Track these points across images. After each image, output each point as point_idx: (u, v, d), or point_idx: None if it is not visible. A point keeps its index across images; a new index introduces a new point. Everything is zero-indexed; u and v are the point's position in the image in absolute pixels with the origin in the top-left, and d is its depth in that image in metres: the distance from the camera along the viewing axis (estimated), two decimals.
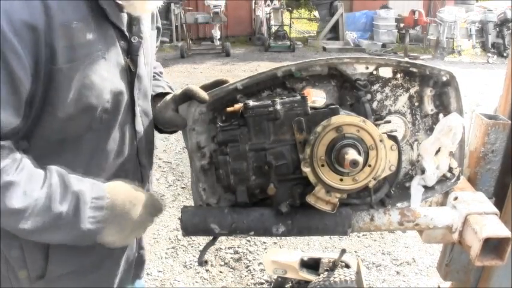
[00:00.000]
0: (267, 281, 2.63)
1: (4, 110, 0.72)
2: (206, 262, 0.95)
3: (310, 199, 0.83)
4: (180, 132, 1.06)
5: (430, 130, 1.01)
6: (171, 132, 1.12)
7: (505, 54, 9.61)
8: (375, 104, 0.99)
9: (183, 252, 2.91)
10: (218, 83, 0.98)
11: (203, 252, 0.94)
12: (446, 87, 0.98)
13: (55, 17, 0.74)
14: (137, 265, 1.16)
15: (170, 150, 4.56)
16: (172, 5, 10.61)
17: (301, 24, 15.21)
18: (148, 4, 0.91)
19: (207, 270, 2.72)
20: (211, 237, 0.95)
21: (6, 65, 0.70)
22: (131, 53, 0.93)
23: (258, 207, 0.90)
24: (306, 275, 2.13)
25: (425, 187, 1.01)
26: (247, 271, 2.73)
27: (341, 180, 0.80)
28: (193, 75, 8.05)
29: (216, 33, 10.16)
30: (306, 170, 0.81)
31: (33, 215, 0.75)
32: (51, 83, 0.77)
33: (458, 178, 1.02)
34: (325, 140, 0.80)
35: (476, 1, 12.43)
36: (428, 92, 0.99)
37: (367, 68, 0.96)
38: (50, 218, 0.77)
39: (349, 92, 0.98)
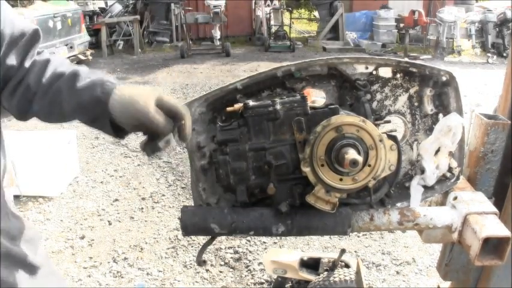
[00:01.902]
0: (267, 281, 2.63)
1: None
2: (205, 262, 0.95)
3: (310, 199, 0.83)
4: None
5: (430, 130, 1.01)
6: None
7: (504, 54, 9.60)
8: (374, 104, 0.99)
9: (183, 252, 2.91)
10: None
11: (201, 251, 0.94)
12: (446, 87, 0.99)
13: None
14: None
15: (170, 150, 4.56)
16: (172, 5, 10.61)
17: (301, 24, 15.20)
18: None
19: (207, 270, 2.72)
20: (210, 237, 0.95)
21: None
22: None
23: (258, 207, 0.90)
24: (305, 275, 2.14)
25: (425, 187, 1.01)
26: (247, 271, 2.73)
27: (341, 180, 0.81)
28: (194, 75, 8.05)
29: (216, 33, 10.16)
30: (306, 169, 0.81)
31: None
32: None
33: (457, 178, 1.02)
34: (325, 140, 0.80)
35: (476, 1, 12.42)
36: (428, 92, 0.99)
37: (366, 68, 0.96)
38: None
39: (349, 92, 0.98)
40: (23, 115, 0.95)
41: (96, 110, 0.87)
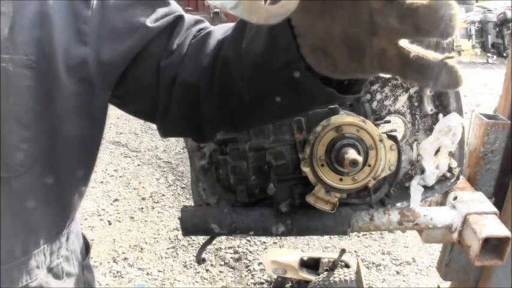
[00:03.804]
0: (267, 281, 2.63)
1: None
2: (204, 260, 0.95)
3: (309, 199, 0.83)
4: None
5: (430, 130, 1.01)
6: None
7: (504, 54, 9.60)
8: (374, 104, 0.99)
9: (183, 252, 2.91)
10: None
11: (201, 250, 0.94)
12: None
13: None
14: None
15: (170, 150, 4.56)
16: None
17: None
18: None
19: (207, 270, 2.72)
20: (209, 237, 0.95)
21: None
22: None
23: (258, 207, 0.90)
24: (305, 275, 2.14)
25: (425, 187, 1.01)
26: (247, 271, 2.73)
27: (341, 180, 0.81)
28: None
29: None
30: (306, 169, 0.81)
31: None
32: None
33: (457, 178, 1.02)
34: (325, 140, 0.80)
35: (476, 1, 12.42)
36: (428, 92, 0.99)
37: None
38: None
39: None
40: (196, 132, 0.69)
41: (280, 60, 0.50)
